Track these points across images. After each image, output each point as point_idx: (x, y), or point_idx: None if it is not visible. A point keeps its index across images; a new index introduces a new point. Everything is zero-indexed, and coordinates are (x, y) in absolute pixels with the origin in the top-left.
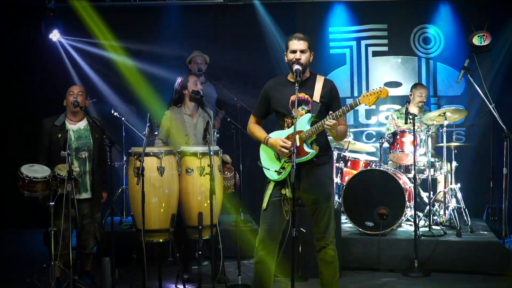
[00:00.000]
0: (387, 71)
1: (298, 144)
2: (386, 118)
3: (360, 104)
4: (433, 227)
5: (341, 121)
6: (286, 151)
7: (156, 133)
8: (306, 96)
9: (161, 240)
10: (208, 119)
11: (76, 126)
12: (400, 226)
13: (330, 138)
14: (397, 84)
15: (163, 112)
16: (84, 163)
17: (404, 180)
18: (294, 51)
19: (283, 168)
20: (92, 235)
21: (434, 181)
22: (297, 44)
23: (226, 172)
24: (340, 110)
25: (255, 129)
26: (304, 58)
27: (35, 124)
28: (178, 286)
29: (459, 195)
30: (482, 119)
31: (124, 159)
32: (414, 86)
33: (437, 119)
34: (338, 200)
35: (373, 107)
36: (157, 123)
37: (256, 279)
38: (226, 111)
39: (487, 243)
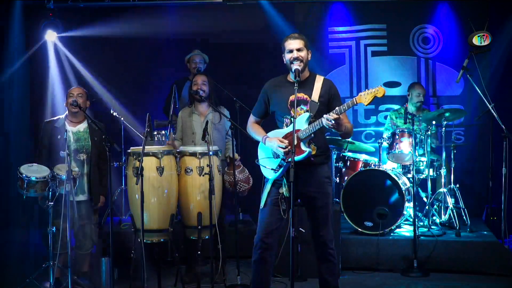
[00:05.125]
0: (386, 71)
1: (295, 142)
2: (385, 118)
3: (357, 103)
4: (432, 227)
5: (344, 119)
6: (283, 150)
7: (155, 133)
8: (305, 96)
9: (160, 240)
10: (207, 120)
11: (76, 128)
12: (399, 226)
13: (329, 138)
14: (396, 84)
15: (162, 112)
16: (82, 165)
17: (403, 180)
18: (290, 51)
19: (280, 166)
20: (88, 236)
21: (433, 181)
22: (293, 44)
23: (238, 175)
24: (337, 109)
25: (254, 129)
26: (301, 56)
27: (34, 124)
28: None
29: (458, 195)
30: (481, 119)
31: (123, 159)
32: (412, 86)
33: (436, 119)
34: (337, 200)
35: (372, 107)
36: (156, 123)
37: (255, 279)
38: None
39: (486, 243)
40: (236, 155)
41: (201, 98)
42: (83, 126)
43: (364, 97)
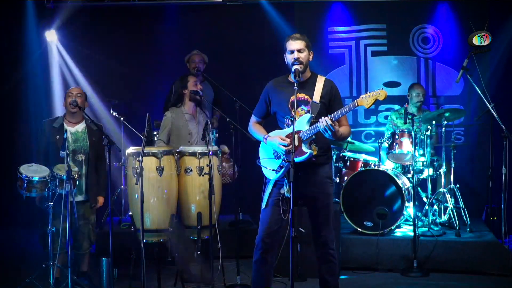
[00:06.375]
0: (386, 71)
1: (296, 144)
2: (385, 118)
3: (358, 106)
4: (432, 227)
5: (343, 121)
6: (285, 148)
7: (155, 133)
8: (306, 97)
9: (160, 240)
10: (207, 120)
11: (74, 129)
12: (399, 226)
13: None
14: (396, 84)
15: (162, 112)
16: (81, 165)
17: (403, 180)
18: (291, 52)
19: (280, 167)
20: (86, 236)
21: (433, 181)
22: (294, 44)
23: (224, 164)
24: (338, 111)
25: (255, 129)
26: (302, 57)
27: (33, 124)
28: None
29: (458, 195)
30: (481, 119)
31: (123, 159)
32: (411, 87)
33: (436, 119)
34: (337, 200)
35: (372, 107)
36: (156, 123)
37: (255, 279)
38: (222, 110)
39: (486, 243)
40: (227, 149)
41: (201, 99)
42: (81, 127)
43: (366, 100)
